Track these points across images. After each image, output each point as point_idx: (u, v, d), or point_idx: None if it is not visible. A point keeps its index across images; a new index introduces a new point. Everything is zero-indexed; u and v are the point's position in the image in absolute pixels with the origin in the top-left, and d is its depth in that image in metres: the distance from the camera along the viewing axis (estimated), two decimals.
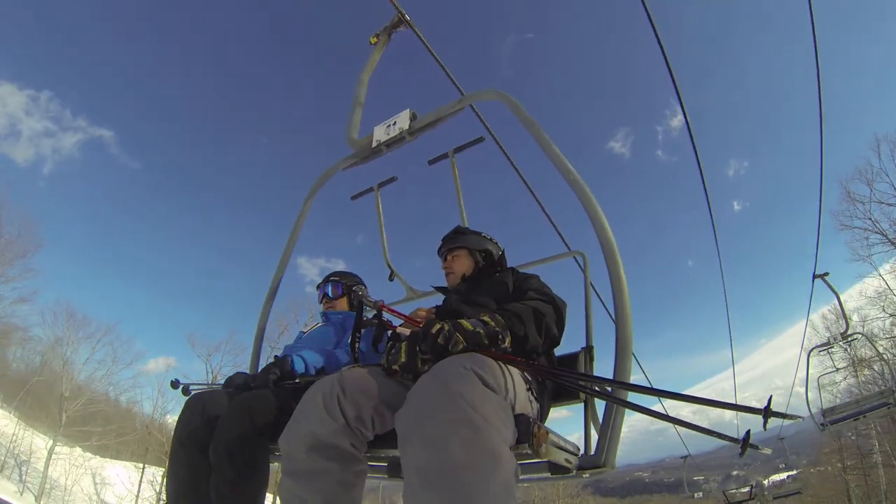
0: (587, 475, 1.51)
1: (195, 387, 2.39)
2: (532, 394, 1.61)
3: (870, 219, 18.23)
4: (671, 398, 1.23)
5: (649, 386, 1.26)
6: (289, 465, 1.47)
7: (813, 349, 10.05)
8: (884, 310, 18.89)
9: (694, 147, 4.50)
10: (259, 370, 2.55)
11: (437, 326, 1.48)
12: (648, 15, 3.35)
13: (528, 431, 1.27)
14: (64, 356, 23.48)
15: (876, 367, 18.21)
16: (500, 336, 1.52)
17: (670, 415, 1.27)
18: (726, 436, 1.15)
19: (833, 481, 22.47)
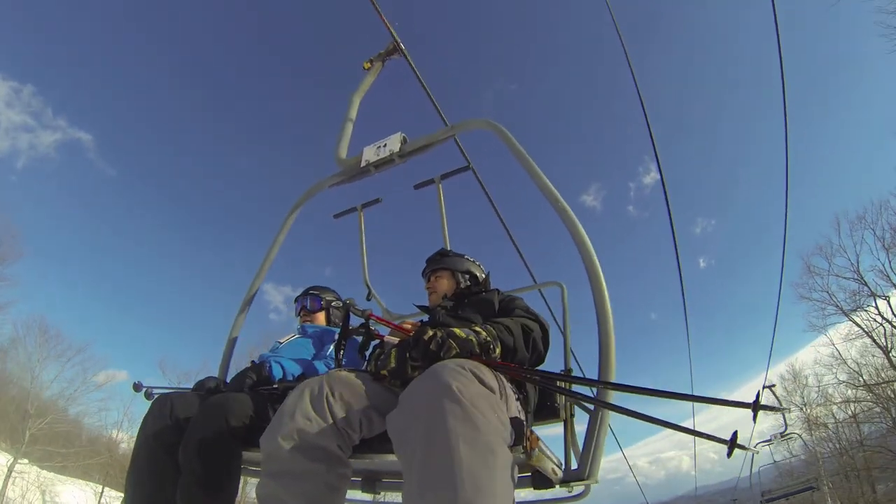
0: (571, 490, 1.51)
1: (158, 390, 2.27)
2: (519, 403, 1.62)
3: (826, 291, 19.40)
4: (658, 396, 1.24)
5: (635, 385, 1.26)
6: (270, 465, 1.39)
7: (758, 443, 14.24)
8: (836, 376, 19.90)
9: (667, 200, 4.69)
10: (229, 378, 2.47)
11: (430, 333, 1.48)
12: (632, 74, 3.55)
13: (522, 434, 1.28)
14: (32, 373, 22.39)
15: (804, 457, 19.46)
16: (491, 346, 1.53)
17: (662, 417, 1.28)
18: (714, 437, 1.17)
19: None
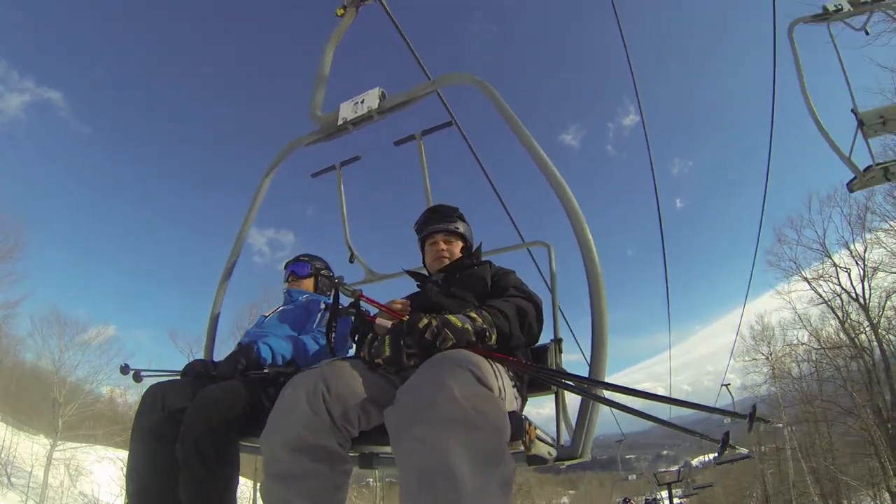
0: (564, 465, 1.52)
1: (147, 373, 2.22)
2: (516, 390, 1.61)
3: (794, 261, 21.23)
4: (653, 399, 1.26)
5: (630, 387, 1.26)
6: (272, 467, 1.38)
7: (797, 21, 4.94)
8: (797, 337, 22.27)
9: (647, 140, 4.60)
10: (214, 356, 2.42)
11: (425, 322, 1.45)
12: (616, 13, 3.37)
13: (521, 429, 1.29)
14: (56, 362, 22.67)
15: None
16: (487, 333, 1.51)
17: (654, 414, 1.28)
18: (707, 436, 1.18)
19: (753, 468, 24.72)
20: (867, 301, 18.32)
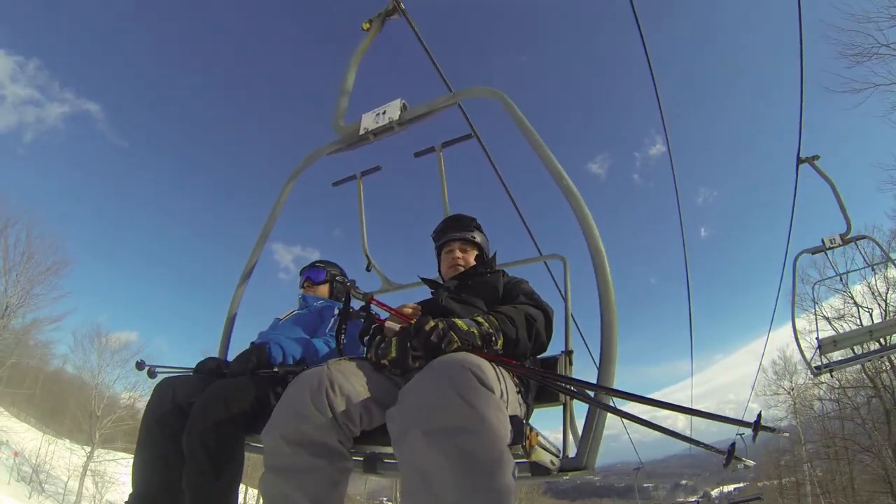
0: (568, 476, 1.50)
1: (161, 369, 2.27)
2: (520, 396, 1.61)
3: (815, 302, 20.30)
4: (660, 407, 1.24)
5: (640, 394, 1.24)
6: (272, 460, 1.39)
7: (802, 253, 7.39)
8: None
9: (672, 169, 4.59)
10: (229, 356, 2.46)
11: (432, 324, 1.46)
12: (644, 47, 3.40)
13: (522, 433, 1.27)
14: (95, 378, 23.81)
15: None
16: (493, 338, 1.51)
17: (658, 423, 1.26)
18: (711, 447, 1.17)
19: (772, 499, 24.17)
20: (888, 342, 17.95)
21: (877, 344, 8.22)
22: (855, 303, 19.45)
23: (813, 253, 7.43)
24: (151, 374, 2.24)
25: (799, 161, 7.05)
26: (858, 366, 19.08)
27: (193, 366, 2.19)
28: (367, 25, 3.23)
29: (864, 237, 7.64)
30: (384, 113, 2.69)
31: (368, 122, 2.72)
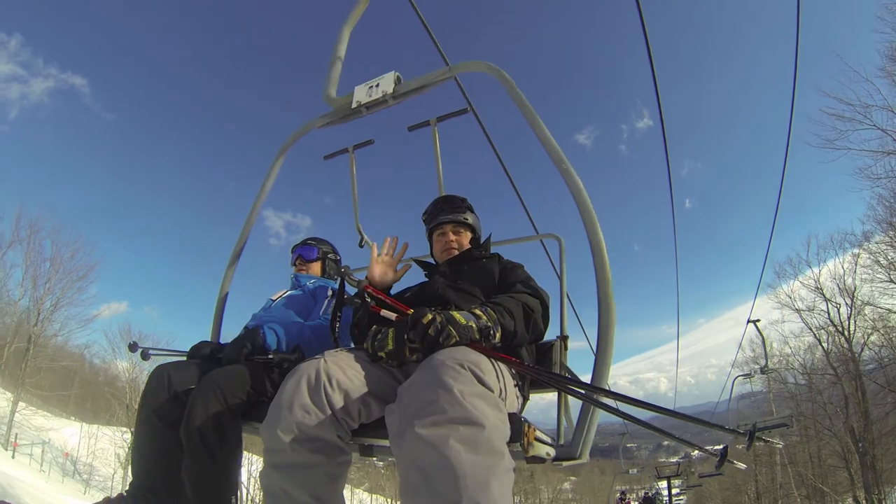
0: (562, 465, 1.52)
1: (154, 351, 2.25)
2: (518, 389, 1.61)
3: (789, 296, 23.35)
4: (655, 411, 1.25)
5: (632, 397, 1.25)
6: (272, 457, 1.40)
7: (738, 377, 15.36)
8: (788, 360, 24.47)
9: (665, 141, 4.55)
10: (221, 339, 2.43)
11: (429, 317, 1.44)
12: (642, 21, 3.32)
13: (520, 431, 1.28)
14: (129, 377, 24.16)
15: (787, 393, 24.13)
16: (491, 331, 1.50)
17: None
18: (706, 449, 1.17)
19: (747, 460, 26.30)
20: (851, 335, 20.33)
21: None
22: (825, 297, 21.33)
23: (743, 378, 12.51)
24: (144, 357, 2.22)
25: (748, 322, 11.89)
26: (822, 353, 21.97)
27: (186, 349, 2.17)
28: None
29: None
30: (377, 86, 2.59)
31: (361, 94, 2.62)
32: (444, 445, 1.09)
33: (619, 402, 1.31)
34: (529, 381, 1.83)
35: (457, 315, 1.46)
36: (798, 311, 22.67)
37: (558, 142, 1.89)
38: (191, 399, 1.73)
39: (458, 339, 1.41)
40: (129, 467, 1.87)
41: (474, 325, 1.45)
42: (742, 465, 1.27)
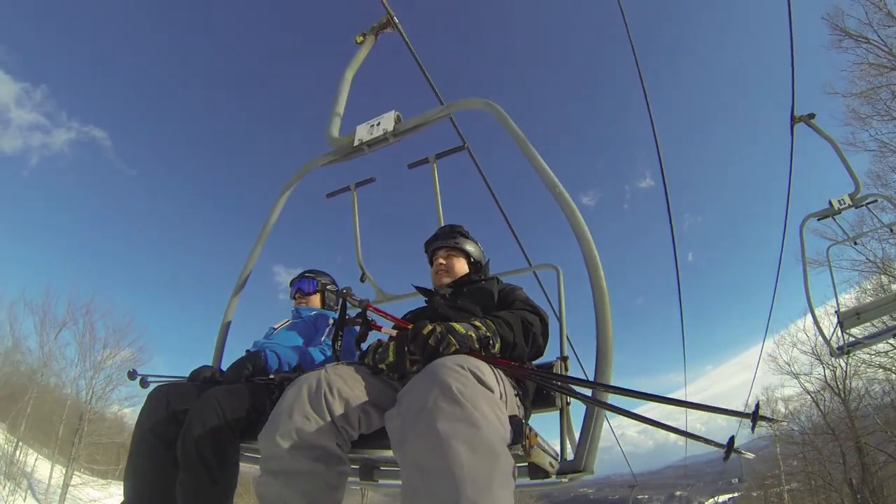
0: (567, 479, 1.50)
1: (153, 378, 2.24)
2: (518, 398, 1.61)
3: (787, 363, 23.48)
4: (656, 401, 1.24)
5: (633, 389, 1.26)
6: (269, 463, 1.38)
7: (808, 217, 6.54)
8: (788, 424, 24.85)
9: (667, 199, 4.67)
10: (223, 365, 2.44)
11: (429, 328, 1.46)
12: (642, 84, 3.50)
13: (521, 433, 1.27)
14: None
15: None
16: (491, 341, 1.52)
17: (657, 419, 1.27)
18: (711, 441, 1.17)
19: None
20: (847, 395, 20.74)
21: None
22: (876, 266, 18.68)
23: (820, 219, 6.38)
24: (144, 384, 2.21)
25: (794, 121, 6.15)
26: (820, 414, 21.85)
27: (187, 375, 2.16)
28: (361, 38, 3.28)
29: (876, 196, 6.63)
30: (378, 124, 2.71)
31: (363, 133, 2.74)
32: (444, 445, 1.09)
33: (621, 404, 1.32)
34: (531, 398, 1.84)
35: (456, 325, 1.49)
36: (796, 375, 23.09)
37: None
38: (189, 414, 1.72)
39: (457, 347, 1.42)
40: (124, 487, 1.82)
41: (474, 335, 1.47)
42: (750, 455, 1.26)
